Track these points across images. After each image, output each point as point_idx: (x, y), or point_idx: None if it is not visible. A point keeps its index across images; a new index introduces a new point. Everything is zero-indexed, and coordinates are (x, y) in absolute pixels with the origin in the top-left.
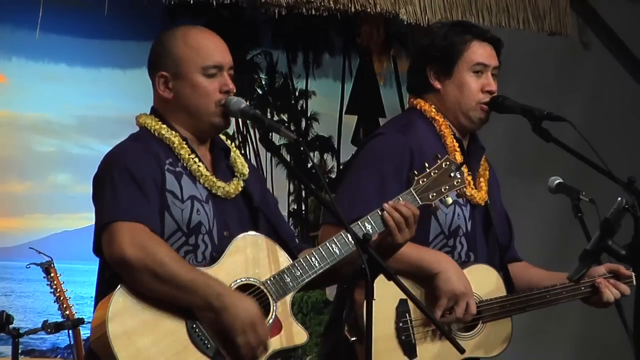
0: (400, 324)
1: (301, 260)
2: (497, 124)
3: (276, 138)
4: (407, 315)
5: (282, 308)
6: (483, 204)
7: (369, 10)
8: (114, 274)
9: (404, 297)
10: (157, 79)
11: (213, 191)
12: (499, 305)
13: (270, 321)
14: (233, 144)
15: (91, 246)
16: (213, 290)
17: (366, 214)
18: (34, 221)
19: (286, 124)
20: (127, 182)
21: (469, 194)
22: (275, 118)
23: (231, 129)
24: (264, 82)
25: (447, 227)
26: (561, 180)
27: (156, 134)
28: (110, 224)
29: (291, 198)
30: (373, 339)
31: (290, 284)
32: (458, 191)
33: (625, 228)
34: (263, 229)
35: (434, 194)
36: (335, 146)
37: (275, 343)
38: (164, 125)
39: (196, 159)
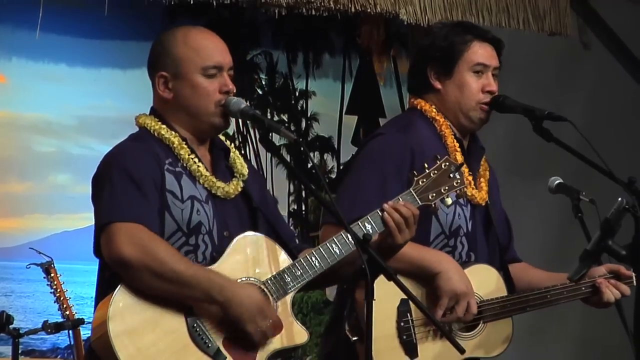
0: (402, 324)
1: (301, 260)
2: (498, 123)
3: (276, 138)
4: (408, 314)
5: (282, 308)
6: (483, 204)
7: (369, 10)
8: (114, 273)
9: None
10: (156, 79)
11: (213, 191)
12: (499, 305)
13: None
14: (232, 144)
15: (91, 246)
16: (214, 283)
17: (367, 213)
18: (34, 221)
19: (286, 124)
20: (125, 182)
21: (469, 194)
22: (276, 118)
23: (231, 129)
24: (264, 83)
25: (448, 227)
26: (561, 181)
27: (156, 134)
28: (109, 225)
29: (291, 198)
30: (374, 338)
31: (291, 284)
32: (458, 192)
33: (626, 228)
34: (262, 229)
35: (434, 195)
36: (336, 146)
37: (276, 343)
38: (164, 126)
39: (196, 159)
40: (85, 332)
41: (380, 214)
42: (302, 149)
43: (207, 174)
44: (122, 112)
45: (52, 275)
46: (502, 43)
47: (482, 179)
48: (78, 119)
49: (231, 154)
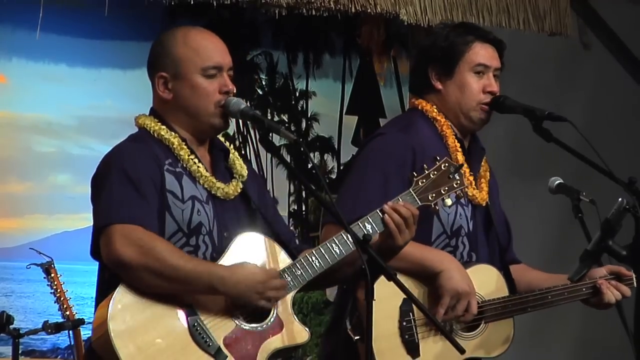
0: (404, 323)
1: (301, 259)
2: (498, 124)
3: (276, 139)
4: (410, 314)
5: (283, 307)
6: (484, 205)
7: (369, 10)
8: (113, 274)
9: None
10: (156, 80)
11: (212, 192)
12: (501, 305)
13: (272, 320)
14: (232, 145)
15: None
16: (215, 275)
17: (368, 213)
18: (34, 222)
19: (286, 125)
20: (124, 183)
21: (470, 194)
22: (276, 118)
23: (231, 130)
24: (264, 83)
25: (449, 227)
26: (561, 181)
27: (155, 134)
28: (107, 227)
29: (291, 199)
30: (376, 337)
31: (291, 283)
32: (457, 192)
33: (626, 228)
34: (261, 230)
35: (434, 195)
36: (336, 147)
37: (277, 342)
38: (163, 126)
39: (196, 160)
40: (85, 333)
41: (380, 214)
42: (302, 149)
43: (207, 174)
44: (123, 113)
45: (52, 275)
46: (504, 44)
47: (482, 180)
48: (78, 119)
49: (230, 155)
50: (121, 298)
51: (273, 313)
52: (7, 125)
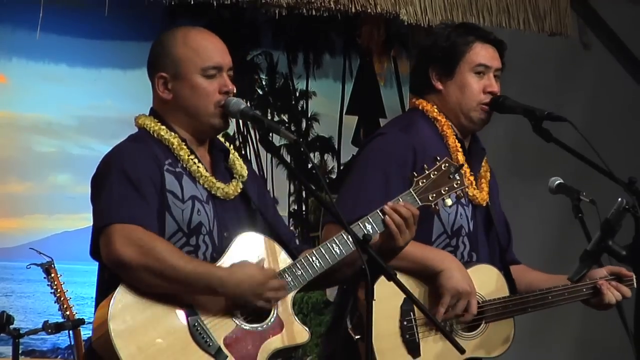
0: (405, 323)
1: (302, 259)
2: (498, 124)
3: (276, 139)
4: (411, 314)
5: (283, 307)
6: (484, 205)
7: (369, 10)
8: (113, 274)
9: None
10: (156, 80)
11: (212, 192)
12: (501, 305)
13: (272, 320)
14: (232, 145)
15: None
16: (215, 276)
17: (369, 213)
18: (34, 222)
19: (286, 125)
20: (124, 183)
21: (471, 194)
22: (276, 119)
23: (231, 130)
24: (264, 83)
25: (449, 227)
26: (561, 181)
27: (155, 135)
28: (107, 227)
29: (291, 199)
30: (377, 336)
31: (292, 283)
32: (457, 193)
33: (626, 229)
34: (261, 230)
35: (434, 195)
36: (336, 147)
37: (277, 342)
38: (163, 127)
39: (195, 160)
40: (85, 333)
41: (380, 214)
42: (302, 149)
43: (207, 174)
44: (123, 113)
45: (53, 275)
46: (505, 44)
47: (483, 180)
48: (78, 119)
49: (230, 155)
50: (121, 298)
51: (273, 313)
52: (7, 125)
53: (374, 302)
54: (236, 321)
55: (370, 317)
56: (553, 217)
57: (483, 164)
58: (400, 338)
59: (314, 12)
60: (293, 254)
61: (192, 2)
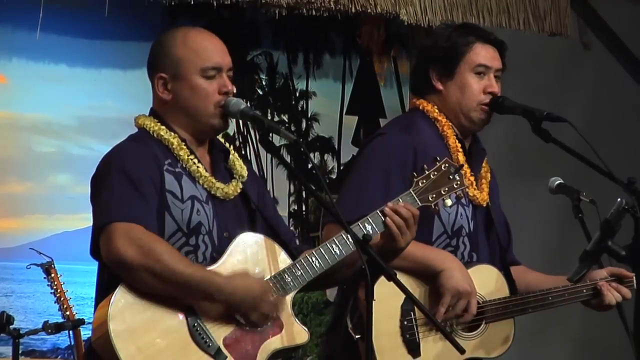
0: (405, 322)
1: (301, 260)
2: (498, 124)
3: (276, 139)
4: (411, 313)
5: (282, 308)
6: (485, 205)
7: (369, 10)
8: (113, 275)
9: None
10: (156, 81)
11: (212, 192)
12: (501, 306)
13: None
14: (232, 146)
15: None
16: (212, 283)
17: (370, 213)
18: (34, 222)
19: (286, 125)
20: (124, 182)
21: (471, 194)
22: (276, 119)
23: (231, 130)
24: (264, 83)
25: (450, 227)
26: (561, 181)
27: (155, 135)
28: (107, 225)
29: (291, 199)
30: (377, 336)
31: (291, 284)
32: (457, 193)
33: (626, 229)
34: (261, 231)
35: (434, 196)
36: (336, 147)
37: (276, 342)
38: (163, 127)
39: (195, 160)
40: (85, 333)
41: (380, 214)
42: (302, 149)
43: (207, 174)
44: (123, 113)
45: (53, 275)
46: (505, 45)
47: (483, 180)
48: (78, 119)
49: (230, 155)
50: (121, 298)
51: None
52: (7, 126)
53: (374, 301)
54: (236, 322)
55: (370, 317)
56: (553, 217)
57: (484, 164)
58: (401, 338)
59: (314, 12)
60: (293, 254)
61: (192, 2)
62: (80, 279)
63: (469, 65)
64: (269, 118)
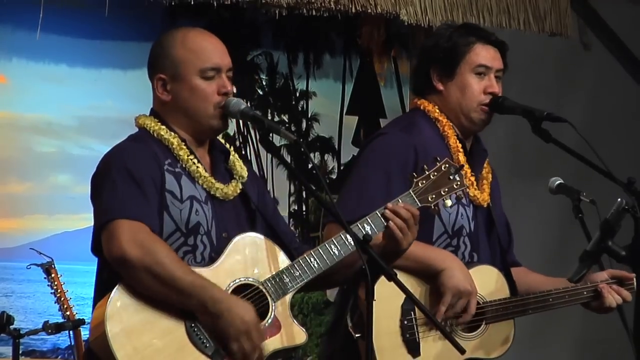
0: (405, 322)
1: (300, 260)
2: (498, 125)
3: (277, 139)
4: (411, 313)
5: (281, 308)
6: (485, 206)
7: (369, 11)
8: (112, 275)
9: None
10: (155, 81)
11: (212, 192)
12: (502, 306)
13: (269, 321)
14: (232, 146)
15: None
16: (210, 295)
17: (371, 212)
18: (34, 222)
19: (287, 125)
20: (127, 181)
21: (472, 194)
22: (276, 119)
23: (231, 130)
24: (264, 83)
25: (450, 227)
26: (562, 181)
27: (155, 135)
28: (111, 222)
29: (292, 199)
30: (377, 335)
31: (290, 284)
32: (457, 194)
33: (626, 229)
34: (261, 231)
35: (433, 196)
36: (336, 147)
37: (275, 343)
38: (163, 127)
39: (195, 160)
40: (85, 333)
41: (379, 215)
42: (302, 149)
43: (206, 174)
44: (123, 113)
45: (53, 275)
46: (506, 45)
47: (484, 181)
48: (78, 119)
49: (231, 156)
50: (119, 298)
51: (270, 314)
52: (7, 126)
53: (374, 301)
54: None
55: (371, 318)
56: (553, 217)
57: (485, 165)
58: (401, 337)
59: (314, 12)
60: (292, 255)
61: (192, 2)
62: (81, 279)
63: (469, 66)
64: (269, 118)
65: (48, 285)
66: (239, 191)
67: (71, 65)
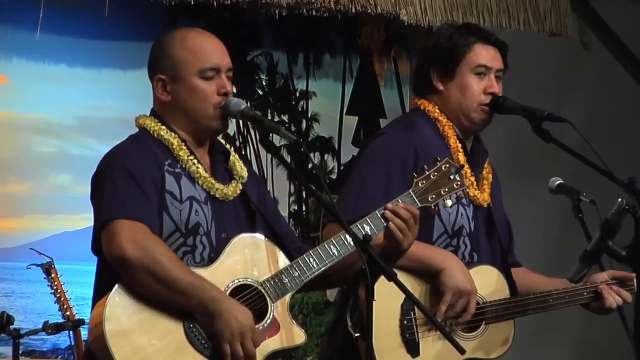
0: (405, 322)
1: (299, 261)
2: (498, 125)
3: (277, 139)
4: (411, 313)
5: (280, 309)
6: (485, 206)
7: (369, 11)
8: (111, 275)
9: None
10: (155, 82)
11: (211, 193)
12: (502, 307)
13: (268, 322)
14: (232, 146)
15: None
16: (209, 295)
17: (371, 212)
18: (34, 222)
19: (286, 125)
20: (127, 181)
21: (472, 194)
22: (276, 119)
23: (231, 130)
24: (264, 83)
25: (450, 227)
26: (562, 181)
27: (155, 135)
28: (111, 221)
29: (292, 199)
30: (377, 335)
31: (289, 285)
32: (457, 194)
33: (626, 229)
34: (261, 231)
35: (433, 196)
36: (336, 147)
37: (274, 343)
38: (163, 127)
39: (195, 161)
40: (85, 333)
41: (379, 215)
42: (302, 149)
43: (206, 175)
44: (123, 113)
45: (53, 275)
46: (507, 46)
47: (484, 181)
48: (78, 119)
49: (231, 157)
50: (117, 298)
51: (269, 315)
52: (7, 126)
53: (374, 301)
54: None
55: (371, 318)
56: (553, 217)
57: (485, 165)
58: (400, 337)
59: (314, 13)
60: (292, 255)
61: (192, 3)
62: (81, 279)
63: (469, 66)
64: (269, 118)
65: (48, 285)
66: (238, 192)
67: (71, 65)
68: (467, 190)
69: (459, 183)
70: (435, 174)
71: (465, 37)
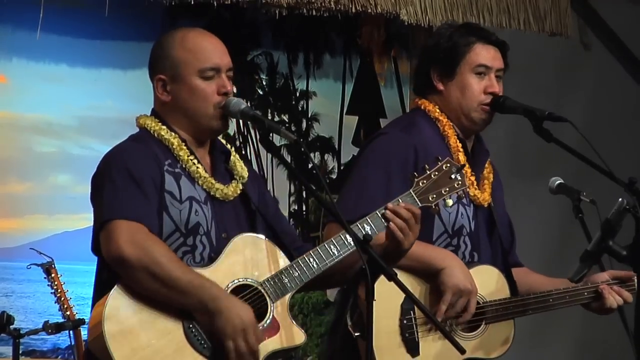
0: (405, 321)
1: (299, 261)
2: (498, 124)
3: (277, 139)
4: (411, 312)
5: (280, 309)
6: (486, 206)
7: (369, 10)
8: (111, 275)
9: None
10: (155, 82)
11: (211, 193)
12: (502, 307)
13: (268, 322)
14: (232, 146)
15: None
16: (209, 293)
17: (371, 212)
18: (34, 222)
19: (287, 125)
20: (127, 181)
21: (472, 194)
22: (276, 119)
23: (231, 130)
24: (264, 83)
25: (450, 226)
26: (562, 181)
27: (155, 135)
28: (110, 221)
29: (292, 199)
30: (377, 334)
31: (289, 285)
32: (458, 193)
33: (626, 229)
34: (261, 231)
35: (434, 196)
36: (336, 147)
37: (274, 343)
38: (164, 127)
39: (195, 161)
40: (85, 333)
41: (379, 215)
42: (302, 149)
43: (206, 175)
44: (123, 113)
45: (53, 275)
46: (507, 45)
47: (485, 181)
48: (79, 119)
49: (232, 157)
50: (117, 299)
51: (269, 315)
52: (7, 126)
53: (374, 301)
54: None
55: (371, 318)
56: (553, 217)
57: (486, 165)
58: (400, 337)
59: (314, 12)
60: (293, 255)
61: (192, 2)
62: (81, 279)
63: (469, 66)
64: (269, 118)
65: (48, 285)
66: (239, 192)
67: (71, 65)
68: (468, 189)
69: (460, 182)
70: (436, 173)
71: (466, 36)
